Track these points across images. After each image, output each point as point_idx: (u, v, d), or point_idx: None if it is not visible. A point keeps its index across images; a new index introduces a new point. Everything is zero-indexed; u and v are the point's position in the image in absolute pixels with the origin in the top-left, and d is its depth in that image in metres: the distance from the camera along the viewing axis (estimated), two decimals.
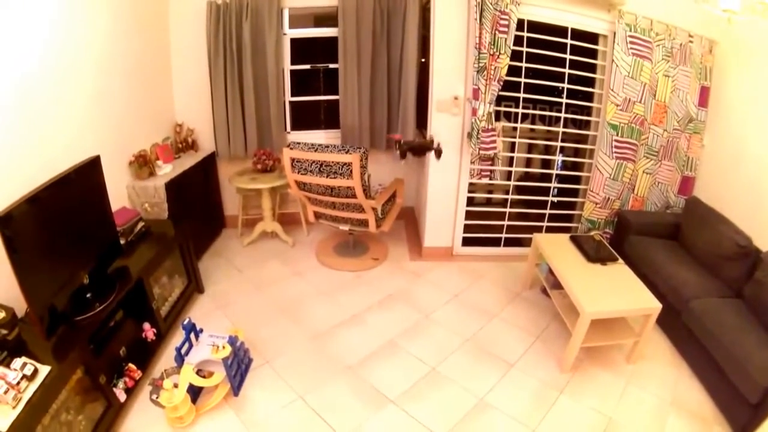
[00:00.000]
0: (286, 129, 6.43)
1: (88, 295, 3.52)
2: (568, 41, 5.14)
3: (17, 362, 2.77)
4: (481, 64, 4.88)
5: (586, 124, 5.77)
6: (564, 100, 5.38)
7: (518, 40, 4.98)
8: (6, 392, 2.58)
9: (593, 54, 5.37)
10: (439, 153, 5.12)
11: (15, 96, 3.48)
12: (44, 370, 2.84)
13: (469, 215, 5.86)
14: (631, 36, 4.96)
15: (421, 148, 5.26)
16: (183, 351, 3.69)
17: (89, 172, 3.78)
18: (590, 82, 5.51)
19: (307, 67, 6.41)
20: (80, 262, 3.57)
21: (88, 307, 3.44)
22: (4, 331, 3.00)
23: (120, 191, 4.73)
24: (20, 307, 3.12)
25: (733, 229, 4.57)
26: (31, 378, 2.74)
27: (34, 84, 3.65)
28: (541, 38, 5.12)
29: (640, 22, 4.99)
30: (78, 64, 4.20)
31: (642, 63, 5.05)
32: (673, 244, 5.11)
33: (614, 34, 5.03)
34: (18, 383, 2.66)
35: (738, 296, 4.27)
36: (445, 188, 5.70)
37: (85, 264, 3.61)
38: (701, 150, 5.48)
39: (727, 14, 3.25)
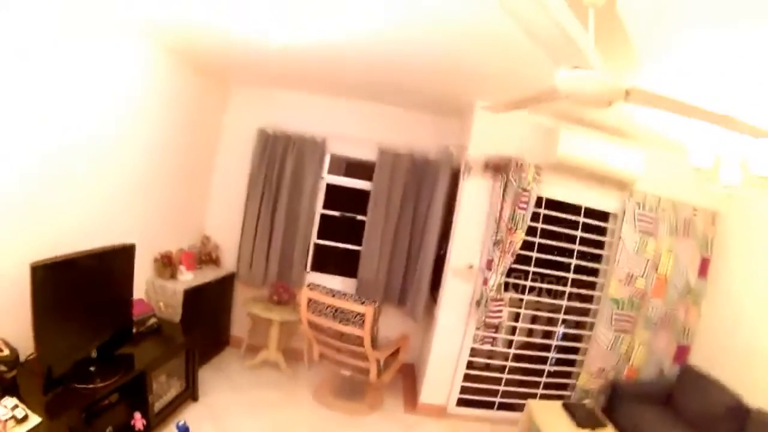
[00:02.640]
0: (306, 268, 6.64)
1: (92, 368, 3.65)
2: (581, 219, 5.44)
3: (9, 401, 2.89)
4: (498, 237, 5.18)
5: (589, 298, 5.91)
6: (571, 275, 5.59)
7: (534, 216, 5.28)
8: None
9: (602, 231, 5.65)
10: None
11: (80, 160, 3.93)
12: (35, 419, 2.94)
13: (467, 377, 5.88)
14: (639, 213, 5.26)
15: None
16: None
17: (124, 256, 4.07)
18: (596, 258, 5.74)
19: (337, 214, 6.70)
20: (93, 335, 3.77)
21: (90, 379, 3.56)
22: (4, 368, 3.12)
23: (140, 283, 4.90)
24: (23, 352, 3.26)
25: (723, 391, 4.72)
26: (20, 422, 2.85)
27: (87, 163, 4.01)
28: (555, 215, 5.44)
29: (649, 199, 5.30)
30: (132, 153, 4.63)
31: (648, 239, 5.32)
32: (664, 410, 5.12)
33: (624, 212, 5.32)
34: (6, 421, 2.76)
35: None
36: (447, 350, 5.78)
37: (97, 338, 3.80)
38: (698, 319, 5.60)
39: (728, 190, 3.48)
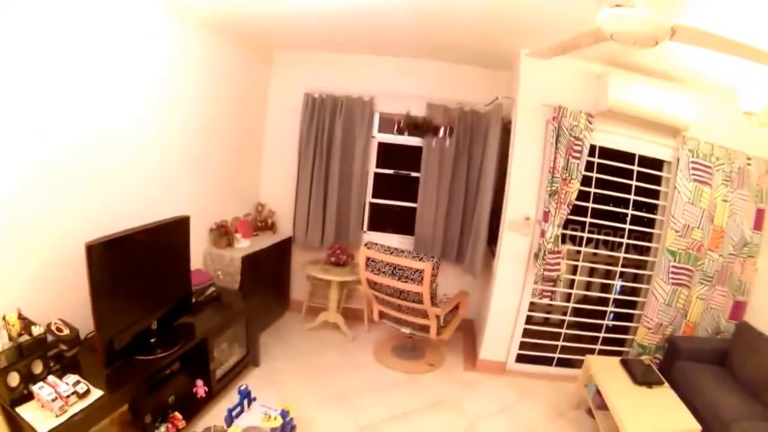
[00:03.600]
0: (363, 228, 6.69)
1: (153, 340, 3.76)
2: (635, 167, 5.31)
3: (71, 378, 3.01)
4: (553, 188, 5.07)
5: (646, 250, 5.82)
6: (627, 226, 5.49)
7: (588, 165, 5.17)
8: (54, 400, 2.81)
9: (657, 180, 5.51)
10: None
11: (127, 141, 4.06)
12: (96, 393, 3.05)
13: (525, 333, 5.87)
14: (693, 162, 5.10)
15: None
16: (234, 413, 3.84)
17: (178, 229, 4.15)
18: (652, 208, 5.62)
19: (391, 172, 6.69)
20: (153, 307, 3.88)
21: (150, 351, 3.67)
22: (64, 347, 3.25)
23: (197, 254, 5.03)
24: (84, 329, 3.39)
25: None
26: (81, 396, 2.96)
27: (146, 144, 4.16)
28: (609, 164, 5.32)
29: (702, 147, 5.13)
30: (185, 127, 4.74)
31: (702, 189, 5.16)
32: (720, 370, 5.01)
33: (678, 160, 5.17)
34: (68, 396, 2.87)
35: None
36: (506, 305, 5.75)
37: (157, 311, 3.91)
38: (755, 274, 5.44)
39: None
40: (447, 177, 6.24)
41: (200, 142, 5.07)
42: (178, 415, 3.83)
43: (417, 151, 6.34)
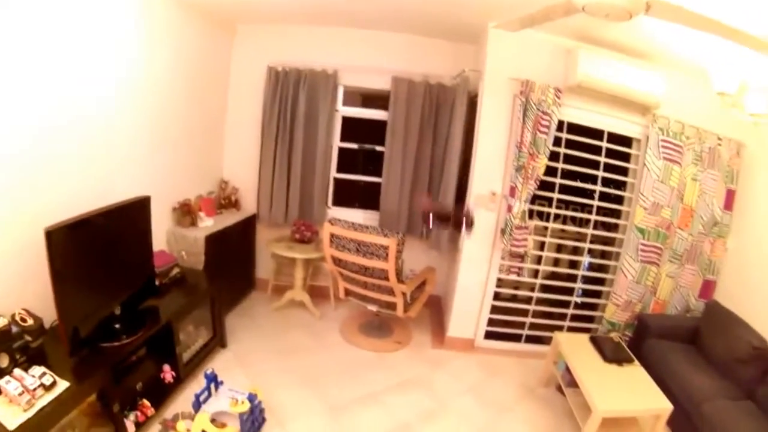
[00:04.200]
0: (327, 204, 6.59)
1: (117, 326, 3.63)
2: (604, 144, 5.30)
3: (36, 370, 2.89)
4: (520, 163, 5.04)
5: (614, 227, 5.84)
6: (596, 203, 5.49)
7: (556, 141, 5.15)
8: (20, 394, 2.69)
9: (626, 157, 5.51)
10: (470, 223, 5.09)
11: (88, 123, 3.87)
12: (63, 384, 2.94)
13: (494, 309, 5.87)
14: (663, 140, 5.11)
15: (451, 218, 5.19)
16: (201, 398, 3.76)
17: (139, 209, 4.00)
18: (621, 186, 5.62)
19: (355, 146, 6.59)
20: (116, 292, 3.74)
21: (115, 337, 3.55)
22: (29, 338, 3.13)
23: (160, 234, 4.89)
24: (48, 318, 3.27)
25: (749, 331, 4.63)
26: (48, 388, 2.84)
27: (101, 119, 3.93)
28: (578, 140, 5.29)
29: (672, 125, 5.14)
30: (143, 108, 4.52)
31: (672, 167, 5.18)
32: (690, 348, 5.09)
33: (647, 137, 5.17)
34: (34, 390, 2.76)
35: (751, 398, 4.27)
36: (473, 281, 5.73)
37: (120, 295, 3.77)
38: (724, 253, 5.52)
39: (754, 119, 3.33)
40: (412, 151, 6.15)
41: (162, 119, 4.88)
42: (146, 402, 3.75)
43: (382, 125, 6.23)
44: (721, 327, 4.95)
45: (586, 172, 5.43)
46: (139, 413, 3.64)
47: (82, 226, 3.28)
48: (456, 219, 5.48)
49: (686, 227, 5.42)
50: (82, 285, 3.34)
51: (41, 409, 2.72)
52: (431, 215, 5.19)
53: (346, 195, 6.93)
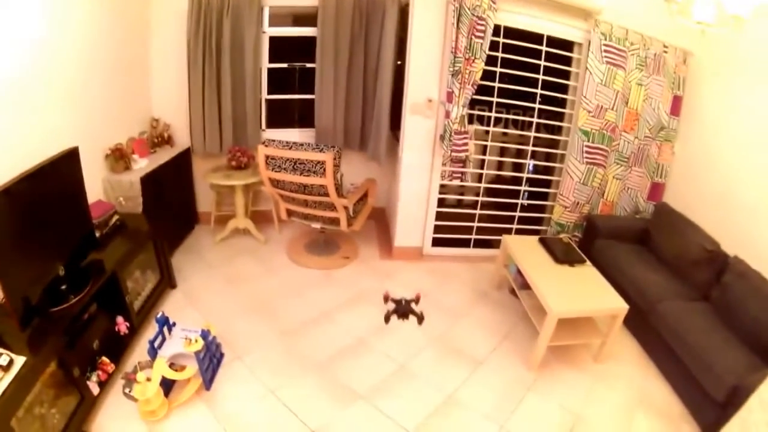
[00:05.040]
0: (261, 127, 6.45)
1: (63, 287, 3.53)
2: (543, 48, 5.25)
3: None
4: (456, 68, 4.96)
5: (558, 130, 5.90)
6: (537, 106, 5.49)
7: (494, 45, 5.07)
8: None
9: (567, 61, 5.49)
10: (420, 320, 5.06)
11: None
12: (19, 360, 2.84)
13: (439, 216, 5.94)
14: (605, 45, 5.10)
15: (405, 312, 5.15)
16: (156, 344, 3.71)
17: (67, 164, 3.79)
18: (564, 89, 5.62)
19: (285, 65, 6.42)
20: (56, 254, 3.59)
21: (63, 299, 3.45)
22: None
23: (95, 184, 4.71)
24: None
25: (701, 234, 4.79)
26: (6, 369, 2.74)
27: (13, 75, 3.67)
28: (516, 44, 5.22)
29: (616, 31, 5.12)
30: (58, 56, 4.20)
31: (616, 71, 5.20)
32: (641, 249, 5.27)
33: (589, 42, 5.15)
34: None
35: (705, 299, 4.45)
36: (416, 189, 5.78)
37: (61, 255, 3.63)
38: (672, 157, 5.66)
39: (701, 26, 3.33)
40: (344, 65, 6.02)
41: (80, 63, 4.56)
42: (105, 359, 3.70)
43: (311, 41, 6.04)
44: (671, 229, 5.12)
45: (526, 75, 5.39)
46: (100, 372, 3.60)
47: (8, 194, 3.14)
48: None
49: (632, 130, 5.52)
50: (21, 254, 3.20)
51: (3, 393, 2.64)
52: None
53: (284, 115, 6.82)
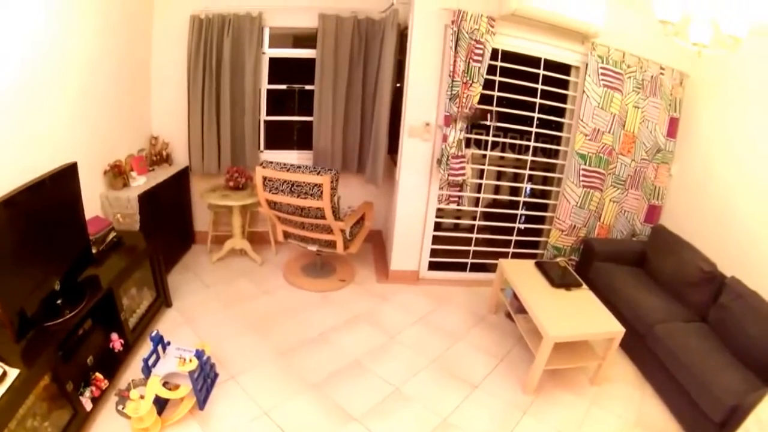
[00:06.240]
0: (259, 148, 6.45)
1: (59, 302, 3.52)
2: (541, 71, 5.28)
3: None
4: (453, 92, 4.99)
5: (555, 153, 5.92)
6: (534, 129, 5.51)
7: (491, 69, 5.10)
8: None
9: (565, 84, 5.52)
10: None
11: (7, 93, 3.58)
12: (13, 373, 2.83)
13: (436, 240, 5.93)
14: (602, 68, 5.14)
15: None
16: (150, 362, 3.68)
17: (66, 179, 3.80)
18: (560, 112, 5.66)
19: (284, 87, 6.45)
20: (52, 268, 3.58)
21: (58, 314, 3.44)
22: None
23: (93, 200, 4.71)
24: None
25: (698, 255, 4.78)
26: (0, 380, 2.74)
27: (18, 86, 3.68)
28: (514, 67, 5.25)
29: (613, 54, 5.17)
30: (62, 71, 4.22)
31: (612, 94, 5.23)
32: (638, 271, 5.27)
33: (586, 65, 5.18)
34: None
35: (702, 320, 4.45)
36: (413, 213, 5.78)
37: (57, 270, 3.62)
38: (668, 179, 5.68)
39: (697, 48, 3.35)
40: (342, 88, 6.04)
41: (82, 79, 4.58)
42: (99, 375, 3.66)
43: (311, 63, 6.07)
44: (668, 250, 5.12)
45: (523, 99, 5.41)
46: (93, 388, 3.56)
47: (6, 206, 3.14)
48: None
49: (629, 153, 5.55)
50: (17, 266, 3.20)
51: None
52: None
53: (282, 137, 6.83)
